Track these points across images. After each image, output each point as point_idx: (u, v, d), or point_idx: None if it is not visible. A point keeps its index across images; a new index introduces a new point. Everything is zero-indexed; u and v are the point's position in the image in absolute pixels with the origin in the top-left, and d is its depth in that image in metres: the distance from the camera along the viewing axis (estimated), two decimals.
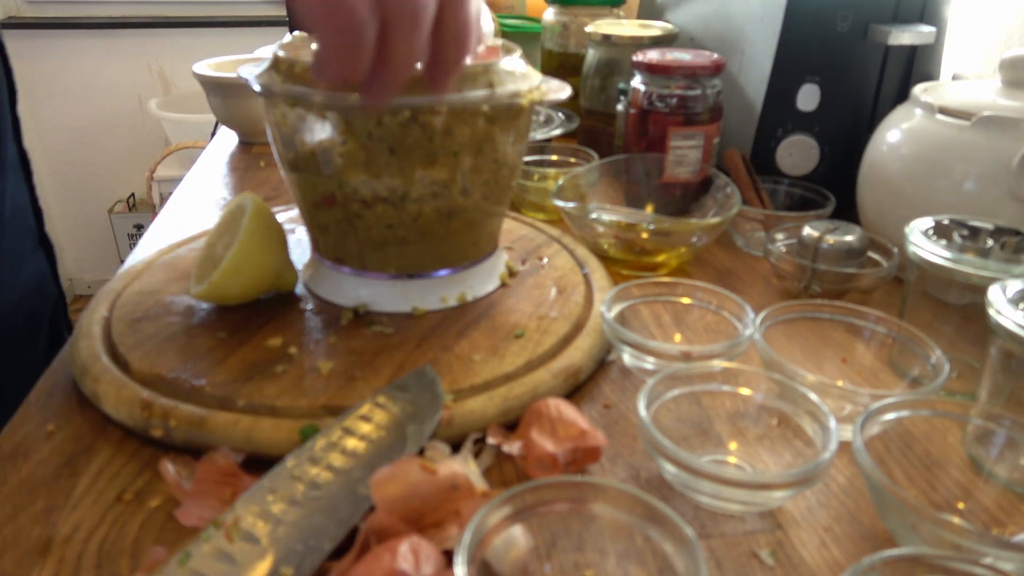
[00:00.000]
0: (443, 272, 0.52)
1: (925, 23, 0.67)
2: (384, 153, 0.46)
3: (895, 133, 0.59)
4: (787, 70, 0.67)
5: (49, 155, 2.40)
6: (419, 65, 0.38)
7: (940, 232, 0.48)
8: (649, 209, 0.67)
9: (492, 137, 0.47)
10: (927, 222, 0.48)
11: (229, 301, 0.49)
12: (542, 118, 0.85)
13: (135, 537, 0.35)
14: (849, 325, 0.48)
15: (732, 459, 0.41)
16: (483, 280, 0.53)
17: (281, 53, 0.46)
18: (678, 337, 0.52)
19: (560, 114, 0.85)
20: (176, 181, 0.94)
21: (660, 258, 0.61)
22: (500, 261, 0.56)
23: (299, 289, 0.53)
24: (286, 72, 0.45)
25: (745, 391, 0.42)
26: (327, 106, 0.44)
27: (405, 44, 0.35)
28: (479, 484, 0.36)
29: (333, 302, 0.51)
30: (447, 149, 0.46)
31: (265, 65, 0.48)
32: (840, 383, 0.41)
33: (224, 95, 0.91)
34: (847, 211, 0.65)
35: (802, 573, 0.34)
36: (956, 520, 0.31)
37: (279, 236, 0.50)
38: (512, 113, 0.47)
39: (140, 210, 2.44)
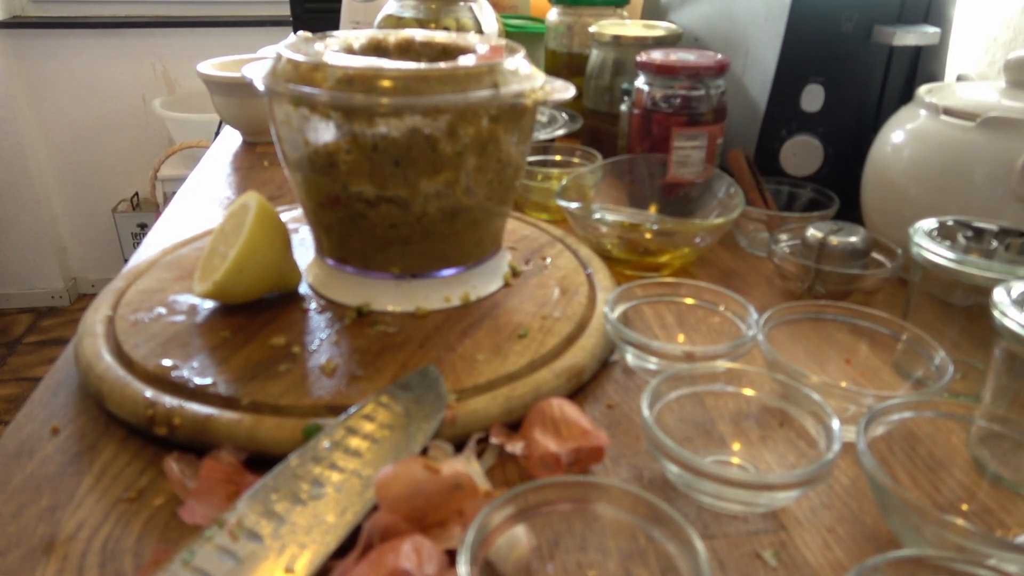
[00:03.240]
0: (447, 272, 0.52)
1: (930, 24, 0.67)
2: (389, 165, 0.46)
3: (899, 134, 0.59)
4: (791, 70, 0.67)
5: (53, 154, 2.41)
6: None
7: (944, 233, 0.48)
8: (653, 209, 0.67)
9: (496, 137, 0.47)
10: (931, 223, 0.48)
11: (233, 300, 0.49)
12: (546, 118, 0.85)
13: (139, 535, 0.35)
14: (853, 326, 0.48)
15: (735, 460, 0.41)
16: (487, 280, 0.53)
17: (286, 52, 0.47)
18: (681, 338, 0.52)
19: (564, 114, 0.85)
20: (180, 180, 0.94)
21: (663, 258, 0.61)
22: (503, 261, 0.56)
23: (303, 288, 0.53)
24: (290, 71, 0.45)
25: (748, 392, 0.42)
26: (331, 105, 0.44)
27: None
28: (482, 484, 0.36)
29: (337, 301, 0.51)
30: (451, 153, 0.46)
31: (270, 64, 0.48)
32: (843, 384, 0.41)
33: (228, 94, 0.92)
34: (851, 212, 0.65)
35: (805, 574, 0.34)
36: (960, 521, 0.31)
37: (283, 236, 0.50)
38: (516, 113, 0.47)
39: (144, 209, 2.45)
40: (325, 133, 0.46)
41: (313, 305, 0.51)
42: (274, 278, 0.49)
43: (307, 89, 0.44)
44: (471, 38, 0.55)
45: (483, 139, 0.47)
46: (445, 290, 0.51)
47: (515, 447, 0.39)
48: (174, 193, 0.81)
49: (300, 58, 0.45)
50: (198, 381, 0.42)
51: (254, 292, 0.49)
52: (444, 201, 0.48)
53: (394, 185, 0.46)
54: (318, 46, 0.50)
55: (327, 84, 0.44)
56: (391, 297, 0.51)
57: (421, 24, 0.84)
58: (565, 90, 0.49)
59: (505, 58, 0.47)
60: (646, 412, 0.37)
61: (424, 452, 0.39)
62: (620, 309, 0.50)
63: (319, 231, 0.52)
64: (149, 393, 0.41)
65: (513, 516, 0.32)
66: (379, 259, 0.51)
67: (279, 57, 0.47)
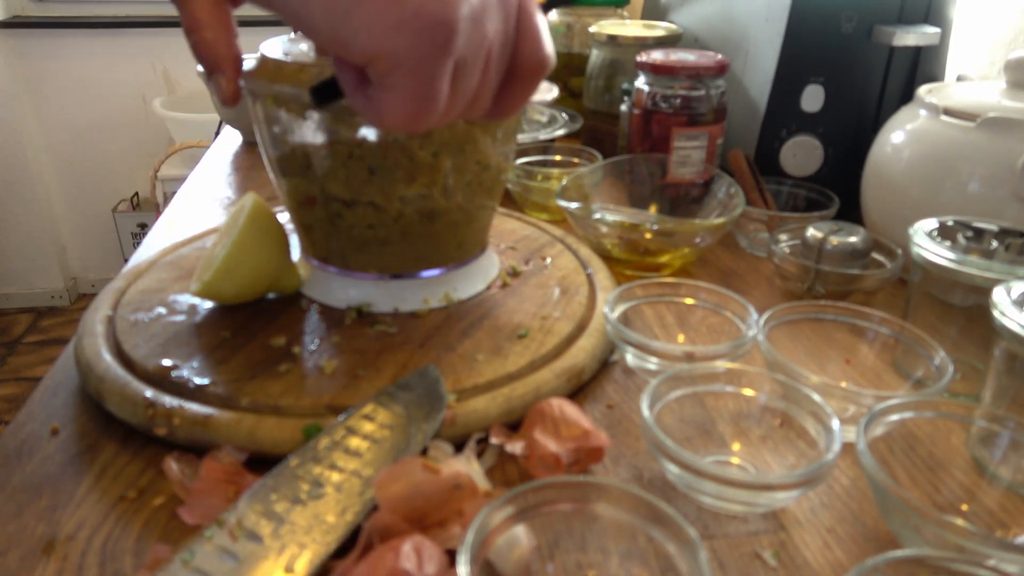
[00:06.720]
0: (427, 273, 0.52)
1: (930, 24, 0.67)
2: (364, 172, 0.46)
3: (899, 134, 0.59)
4: (791, 71, 0.67)
5: (54, 154, 2.41)
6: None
7: (944, 233, 0.48)
8: (653, 210, 0.67)
9: (474, 138, 0.47)
10: (931, 223, 0.48)
11: (225, 300, 0.49)
12: (546, 118, 0.85)
13: (138, 535, 0.35)
14: (853, 326, 0.48)
15: (735, 460, 0.41)
16: (470, 281, 0.53)
17: (270, 52, 0.46)
18: (681, 338, 0.52)
19: (564, 114, 0.85)
20: (180, 180, 0.94)
21: (663, 259, 0.61)
22: (490, 263, 0.56)
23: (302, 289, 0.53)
24: (274, 70, 0.45)
25: (748, 392, 0.42)
26: (311, 107, 0.44)
27: (470, 83, 0.33)
28: (482, 484, 0.36)
29: (320, 301, 0.51)
30: (427, 159, 0.46)
31: (253, 63, 0.48)
32: (843, 384, 0.41)
33: None
34: (851, 212, 0.65)
35: (805, 574, 0.34)
36: (959, 522, 0.31)
37: (278, 238, 0.49)
38: None
39: (144, 209, 2.45)
40: (304, 136, 0.46)
41: (313, 305, 0.51)
42: (267, 280, 0.49)
43: (291, 89, 0.44)
44: None
45: (460, 140, 0.46)
46: (425, 292, 0.51)
47: (515, 447, 0.39)
48: (174, 193, 0.81)
49: (286, 59, 0.45)
50: (198, 381, 0.42)
51: (246, 294, 0.49)
52: (422, 203, 0.48)
53: (369, 192, 0.46)
54: (303, 46, 0.49)
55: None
56: (372, 298, 0.50)
57: None
58: (547, 91, 0.48)
59: None
60: (646, 412, 0.37)
61: (424, 452, 0.39)
62: (620, 309, 0.50)
63: (301, 231, 0.52)
64: (149, 393, 0.41)
65: (513, 516, 0.32)
66: (358, 259, 0.50)
67: (262, 57, 0.47)
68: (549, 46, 0.35)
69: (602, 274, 0.57)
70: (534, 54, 0.34)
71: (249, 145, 0.95)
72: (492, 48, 0.32)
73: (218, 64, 0.39)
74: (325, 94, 0.35)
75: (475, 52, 0.31)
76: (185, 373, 0.43)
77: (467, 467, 0.37)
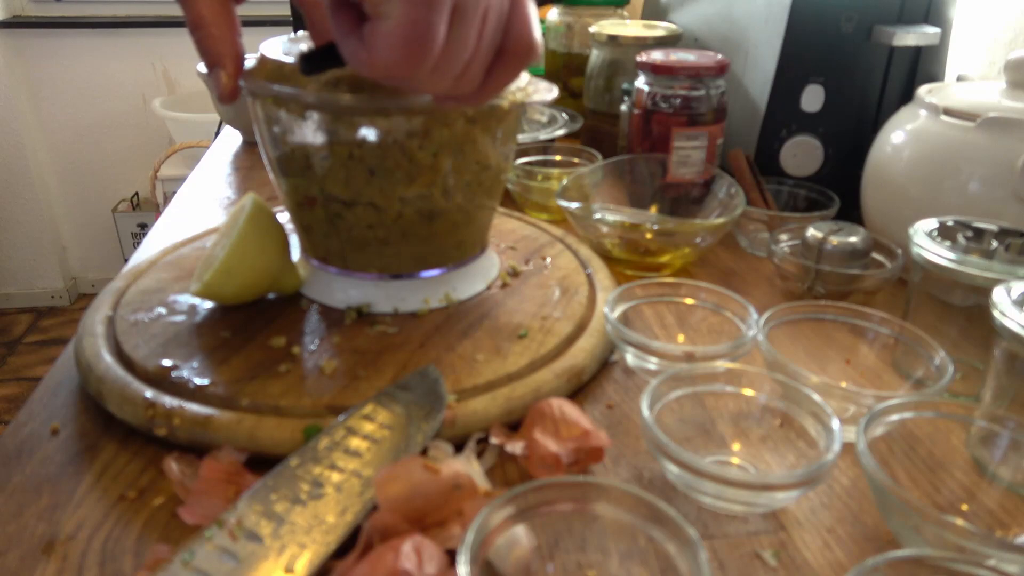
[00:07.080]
0: (427, 273, 0.51)
1: (930, 24, 0.67)
2: (363, 173, 0.46)
3: (899, 134, 0.59)
4: (791, 71, 0.67)
5: (54, 154, 2.41)
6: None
7: (944, 233, 0.48)
8: (653, 210, 0.67)
9: (473, 139, 0.47)
10: (931, 223, 0.48)
11: (225, 301, 0.49)
12: (546, 118, 0.85)
13: (138, 535, 0.35)
14: (853, 326, 0.48)
15: (735, 460, 0.41)
16: (469, 282, 0.53)
17: (268, 53, 0.46)
18: (681, 338, 0.52)
19: (564, 114, 0.85)
20: (180, 180, 0.94)
21: (664, 259, 0.61)
22: (490, 263, 0.56)
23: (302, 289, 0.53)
24: (275, 71, 0.45)
25: (748, 392, 0.42)
26: (314, 106, 0.44)
27: (465, 36, 0.33)
28: (482, 484, 0.36)
29: (320, 301, 0.51)
30: (427, 160, 0.46)
31: (253, 64, 0.47)
32: (843, 384, 0.41)
33: None
34: (851, 212, 0.65)
35: (805, 574, 0.34)
36: (959, 522, 0.31)
37: (278, 238, 0.49)
38: (495, 114, 0.47)
39: (144, 209, 2.45)
40: (303, 136, 0.46)
41: (313, 305, 0.51)
42: (267, 281, 0.49)
43: (291, 89, 0.43)
44: None
45: (459, 140, 0.46)
46: (425, 292, 0.51)
47: (515, 447, 0.39)
48: (174, 193, 0.81)
49: (285, 59, 0.45)
50: (198, 381, 0.42)
51: (245, 294, 0.49)
52: (421, 204, 0.48)
53: (369, 192, 0.46)
54: (303, 46, 0.49)
55: (314, 85, 0.43)
56: (372, 298, 0.50)
57: None
58: (548, 91, 0.48)
59: None
60: (646, 412, 0.37)
61: (424, 452, 0.39)
62: (620, 309, 0.50)
63: (301, 231, 0.52)
64: (149, 393, 0.41)
65: (513, 516, 0.32)
66: (358, 259, 0.50)
67: (262, 57, 0.47)
68: (538, 32, 0.36)
69: (602, 274, 0.57)
70: (524, 35, 0.36)
71: (249, 145, 0.95)
72: (489, 10, 0.33)
73: (221, 60, 0.40)
74: (315, 60, 0.35)
75: (474, 2, 0.32)
76: (185, 373, 0.43)
77: (467, 467, 0.37)
